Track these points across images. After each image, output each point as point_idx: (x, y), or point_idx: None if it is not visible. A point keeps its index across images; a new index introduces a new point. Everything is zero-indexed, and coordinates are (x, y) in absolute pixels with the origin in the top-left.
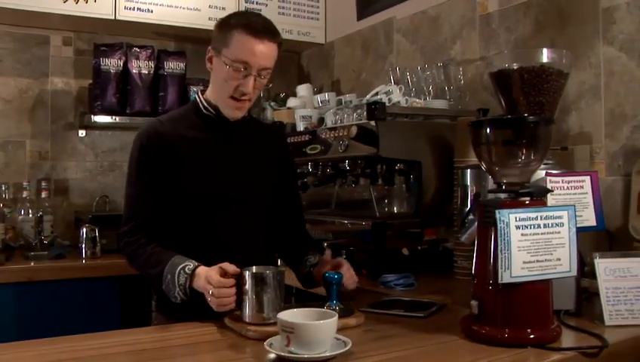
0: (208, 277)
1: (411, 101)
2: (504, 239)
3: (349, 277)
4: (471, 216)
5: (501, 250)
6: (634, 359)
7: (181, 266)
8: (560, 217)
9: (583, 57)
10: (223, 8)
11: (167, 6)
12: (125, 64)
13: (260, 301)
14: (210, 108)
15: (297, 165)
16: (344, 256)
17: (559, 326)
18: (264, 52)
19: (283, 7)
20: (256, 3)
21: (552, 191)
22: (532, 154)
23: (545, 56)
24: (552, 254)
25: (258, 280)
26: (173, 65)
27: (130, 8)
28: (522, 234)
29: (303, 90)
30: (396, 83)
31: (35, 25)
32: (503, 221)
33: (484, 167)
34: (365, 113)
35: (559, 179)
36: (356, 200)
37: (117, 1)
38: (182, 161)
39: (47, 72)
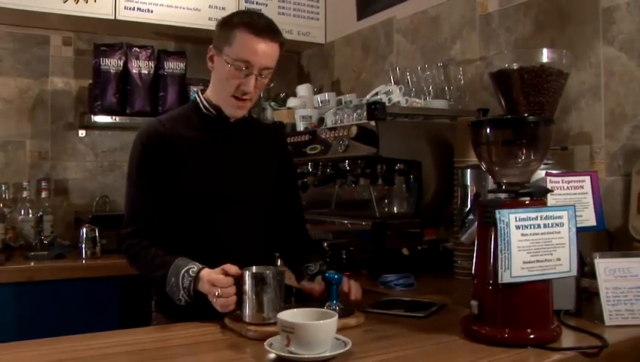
0: (214, 280)
1: (411, 101)
2: (504, 239)
3: (356, 289)
4: (471, 216)
5: (501, 250)
6: (634, 359)
7: (185, 269)
8: (560, 217)
9: (583, 57)
10: (223, 8)
11: (167, 6)
12: (125, 64)
13: (260, 301)
14: (210, 108)
15: (297, 165)
16: (344, 256)
17: (559, 326)
18: (266, 51)
19: (283, 7)
20: (256, 3)
21: (552, 191)
22: (532, 154)
23: (545, 56)
24: (552, 254)
25: (258, 280)
26: (173, 66)
27: (130, 8)
28: (522, 234)
29: (303, 90)
30: (396, 83)
31: (35, 25)
32: (503, 221)
33: (484, 167)
34: (365, 113)
35: (559, 179)
36: (356, 200)
37: (117, 1)
38: (182, 160)
39: (47, 72)
